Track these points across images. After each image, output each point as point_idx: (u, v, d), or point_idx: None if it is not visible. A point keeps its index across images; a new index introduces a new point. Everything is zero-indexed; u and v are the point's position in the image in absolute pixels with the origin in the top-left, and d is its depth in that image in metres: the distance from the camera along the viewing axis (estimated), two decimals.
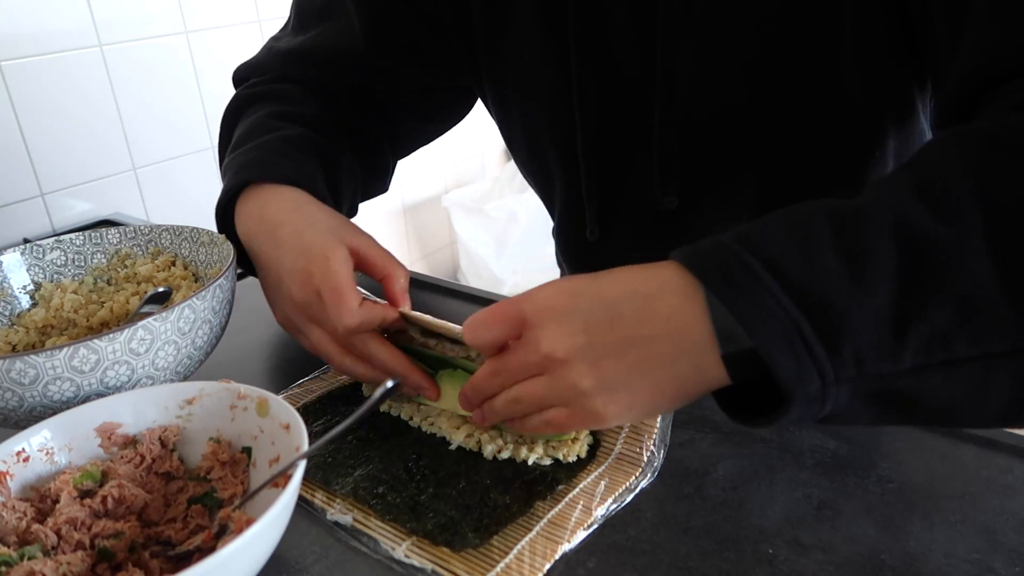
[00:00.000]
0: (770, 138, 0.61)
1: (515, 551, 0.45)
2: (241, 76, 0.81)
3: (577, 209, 0.73)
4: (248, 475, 0.51)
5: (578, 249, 0.79)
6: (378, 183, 0.83)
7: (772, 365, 0.36)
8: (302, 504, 0.51)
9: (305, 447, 0.46)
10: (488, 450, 0.53)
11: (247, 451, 0.51)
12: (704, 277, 0.39)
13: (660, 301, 0.41)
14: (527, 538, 0.46)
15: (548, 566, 0.44)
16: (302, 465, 0.44)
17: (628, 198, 0.69)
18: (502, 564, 0.44)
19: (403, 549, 0.46)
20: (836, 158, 0.60)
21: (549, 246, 0.88)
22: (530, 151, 0.76)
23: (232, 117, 0.76)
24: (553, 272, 0.91)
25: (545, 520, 0.47)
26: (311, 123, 0.71)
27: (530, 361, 0.44)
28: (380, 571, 0.45)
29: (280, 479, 0.46)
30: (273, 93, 0.75)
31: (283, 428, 0.49)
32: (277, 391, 0.60)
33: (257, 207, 0.63)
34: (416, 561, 0.45)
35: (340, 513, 0.49)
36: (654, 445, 0.51)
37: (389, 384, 0.50)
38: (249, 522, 0.42)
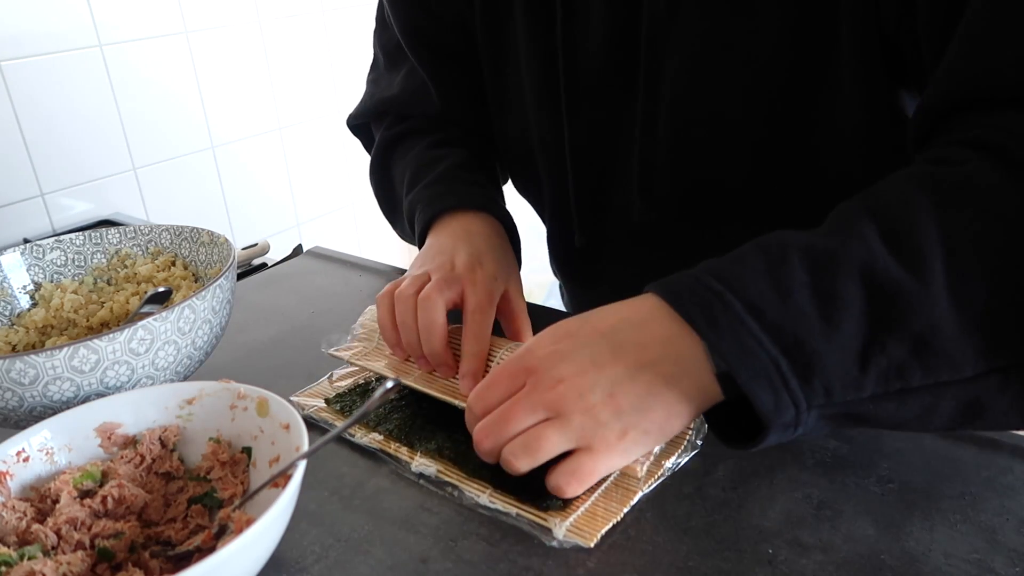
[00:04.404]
0: (752, 156, 0.60)
1: (593, 498, 0.48)
2: (359, 122, 0.86)
3: (565, 216, 0.73)
4: (248, 475, 0.51)
5: (567, 255, 0.80)
6: (503, 176, 0.87)
7: (754, 399, 0.40)
8: (387, 457, 0.54)
9: (305, 447, 0.46)
10: None
11: (247, 451, 0.51)
12: (688, 316, 0.42)
13: (654, 326, 0.44)
14: (603, 487, 0.49)
15: (625, 511, 0.47)
16: (302, 465, 0.44)
17: (614, 205, 0.70)
18: (582, 509, 0.47)
19: (487, 496, 0.49)
20: (823, 179, 0.59)
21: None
22: (521, 157, 0.76)
23: (384, 157, 0.81)
24: (550, 274, 0.91)
25: (617, 471, 0.49)
26: (462, 144, 0.77)
27: (542, 400, 0.45)
28: (381, 571, 0.45)
29: (280, 479, 0.46)
30: (415, 130, 0.80)
31: (283, 428, 0.49)
32: (277, 391, 0.60)
33: (461, 225, 0.68)
34: (500, 506, 0.48)
35: (423, 465, 0.52)
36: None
37: (389, 384, 0.51)
38: (249, 522, 0.42)
